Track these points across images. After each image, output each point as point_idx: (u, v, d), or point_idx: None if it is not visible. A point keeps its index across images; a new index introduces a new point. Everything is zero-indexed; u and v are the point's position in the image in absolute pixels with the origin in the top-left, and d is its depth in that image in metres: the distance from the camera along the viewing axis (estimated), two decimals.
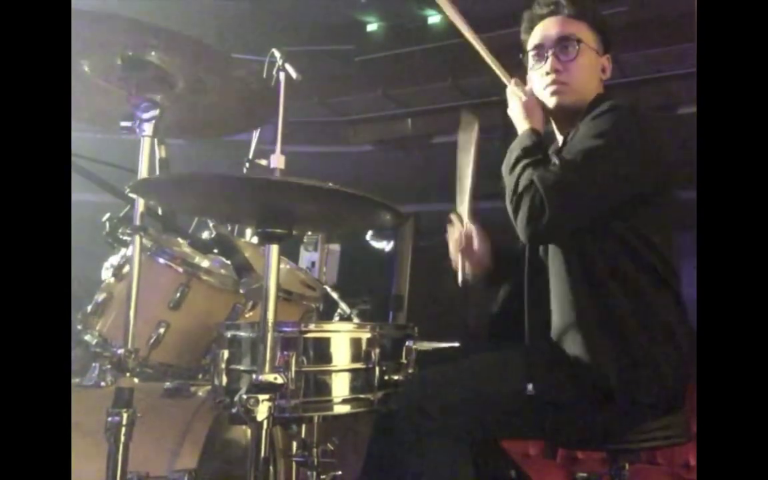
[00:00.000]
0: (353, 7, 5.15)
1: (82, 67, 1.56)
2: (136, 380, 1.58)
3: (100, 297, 1.93)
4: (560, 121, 1.76)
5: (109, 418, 1.51)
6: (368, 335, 1.54)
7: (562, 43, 1.69)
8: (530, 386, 1.47)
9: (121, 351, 1.55)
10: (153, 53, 1.51)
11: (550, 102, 1.70)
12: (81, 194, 1.88)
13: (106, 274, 2.00)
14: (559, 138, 1.77)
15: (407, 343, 1.62)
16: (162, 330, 1.81)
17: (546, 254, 1.60)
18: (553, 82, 1.68)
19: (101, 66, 1.56)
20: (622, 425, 1.53)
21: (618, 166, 1.52)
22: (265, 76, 1.73)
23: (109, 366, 1.91)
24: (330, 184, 1.25)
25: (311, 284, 2.19)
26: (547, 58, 1.69)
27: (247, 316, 1.87)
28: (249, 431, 1.30)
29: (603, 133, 1.54)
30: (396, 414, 1.51)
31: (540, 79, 1.71)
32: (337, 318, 2.36)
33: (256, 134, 2.24)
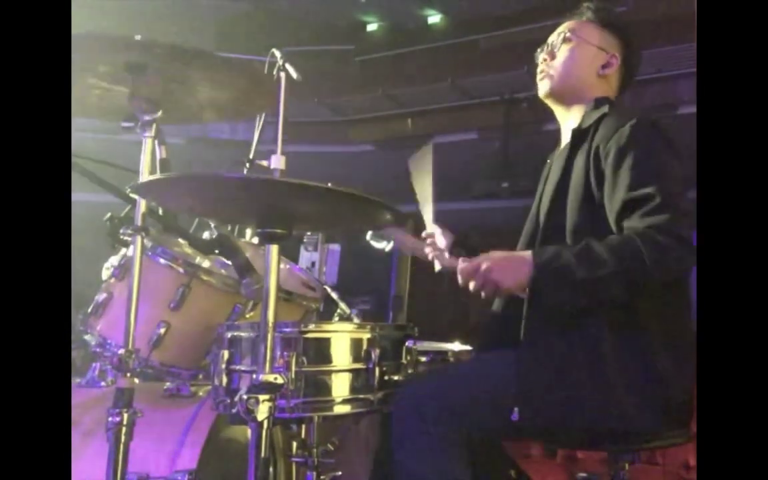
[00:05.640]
0: (353, 7, 5.16)
1: (82, 68, 1.56)
2: (136, 380, 1.58)
3: (100, 297, 1.92)
4: (557, 108, 1.80)
5: (109, 418, 1.51)
6: (368, 335, 1.54)
7: (557, 38, 1.77)
8: (516, 411, 1.44)
9: (121, 351, 1.55)
10: (152, 63, 1.51)
11: (540, 90, 1.78)
12: (81, 194, 1.88)
13: (106, 274, 2.00)
14: (565, 133, 1.77)
15: (407, 343, 1.61)
16: (162, 330, 1.81)
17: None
18: (540, 71, 1.79)
19: (102, 68, 1.56)
20: (621, 426, 1.49)
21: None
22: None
23: (109, 366, 1.92)
24: (330, 184, 1.25)
25: (311, 285, 2.19)
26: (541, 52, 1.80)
27: (247, 316, 1.87)
28: (249, 431, 1.30)
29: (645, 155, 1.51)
30: (393, 418, 1.51)
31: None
32: (336, 318, 2.36)
33: (256, 135, 2.24)
